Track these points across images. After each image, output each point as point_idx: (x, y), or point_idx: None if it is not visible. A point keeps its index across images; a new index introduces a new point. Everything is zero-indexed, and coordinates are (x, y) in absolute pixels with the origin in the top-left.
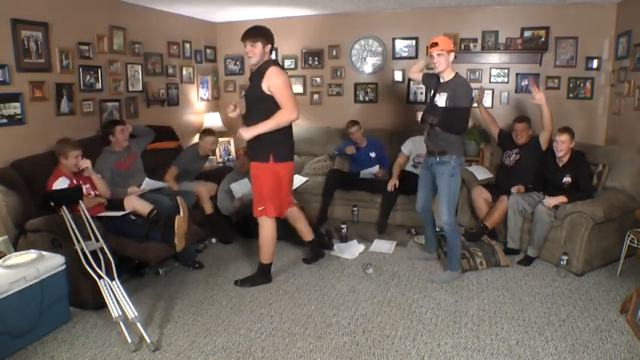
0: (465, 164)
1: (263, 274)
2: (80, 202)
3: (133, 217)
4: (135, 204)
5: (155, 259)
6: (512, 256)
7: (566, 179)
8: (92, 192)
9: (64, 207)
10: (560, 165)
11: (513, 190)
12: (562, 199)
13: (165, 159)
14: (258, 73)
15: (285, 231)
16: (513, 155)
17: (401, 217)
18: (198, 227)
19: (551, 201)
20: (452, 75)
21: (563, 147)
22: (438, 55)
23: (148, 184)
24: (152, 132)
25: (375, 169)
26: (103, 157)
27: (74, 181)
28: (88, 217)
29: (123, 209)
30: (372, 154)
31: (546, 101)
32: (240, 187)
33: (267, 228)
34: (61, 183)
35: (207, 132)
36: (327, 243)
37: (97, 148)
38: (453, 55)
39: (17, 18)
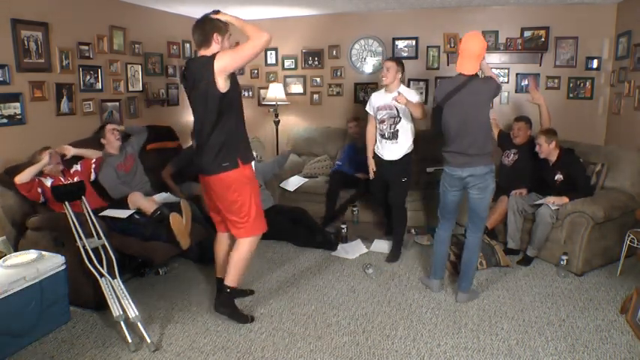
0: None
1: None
2: (83, 198)
3: (137, 217)
4: (138, 201)
5: (161, 258)
6: (512, 256)
7: (558, 177)
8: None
9: (66, 203)
10: (550, 164)
11: (513, 194)
12: (564, 199)
13: (165, 159)
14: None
15: (286, 231)
16: (512, 155)
17: None
18: (200, 226)
19: (556, 200)
20: None
21: (540, 149)
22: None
23: (164, 197)
24: (145, 130)
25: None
26: (105, 162)
27: (62, 179)
28: (91, 213)
29: (127, 208)
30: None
31: (544, 101)
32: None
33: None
34: (46, 181)
35: None
36: (333, 242)
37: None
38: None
39: (17, 18)
